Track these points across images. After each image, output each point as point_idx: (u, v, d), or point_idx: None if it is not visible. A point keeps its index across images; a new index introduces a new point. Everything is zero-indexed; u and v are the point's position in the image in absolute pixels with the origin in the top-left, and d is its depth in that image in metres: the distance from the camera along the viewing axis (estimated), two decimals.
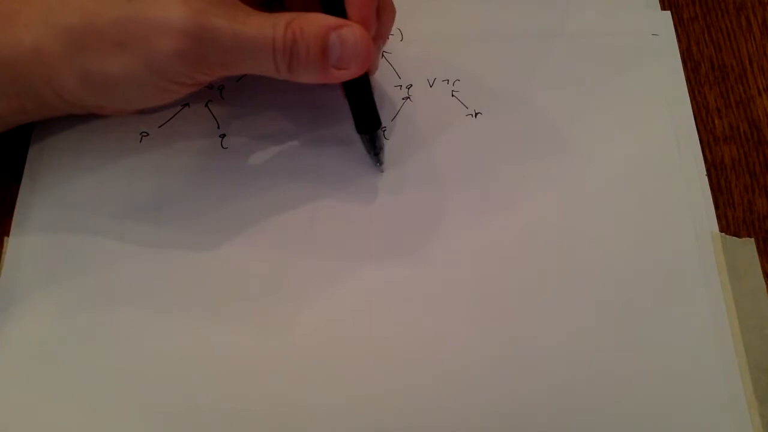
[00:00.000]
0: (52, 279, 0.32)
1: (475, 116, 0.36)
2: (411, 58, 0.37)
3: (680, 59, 0.37)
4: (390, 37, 0.35)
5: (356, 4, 0.30)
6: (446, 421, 0.30)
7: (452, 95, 0.36)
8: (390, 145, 0.35)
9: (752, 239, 0.33)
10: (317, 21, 0.30)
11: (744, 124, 0.36)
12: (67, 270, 0.33)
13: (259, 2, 0.33)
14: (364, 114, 0.33)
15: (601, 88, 0.36)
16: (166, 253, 0.33)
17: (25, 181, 0.35)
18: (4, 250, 0.33)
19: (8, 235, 0.33)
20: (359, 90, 0.32)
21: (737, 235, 0.33)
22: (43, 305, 0.32)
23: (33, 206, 0.34)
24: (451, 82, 0.37)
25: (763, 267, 0.32)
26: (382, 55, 0.37)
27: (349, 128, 0.35)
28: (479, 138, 0.35)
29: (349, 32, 0.30)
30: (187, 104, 0.36)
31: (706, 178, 0.34)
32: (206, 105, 0.36)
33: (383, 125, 0.34)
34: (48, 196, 0.34)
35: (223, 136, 0.36)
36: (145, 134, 0.36)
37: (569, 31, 0.38)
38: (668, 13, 0.39)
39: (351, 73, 0.31)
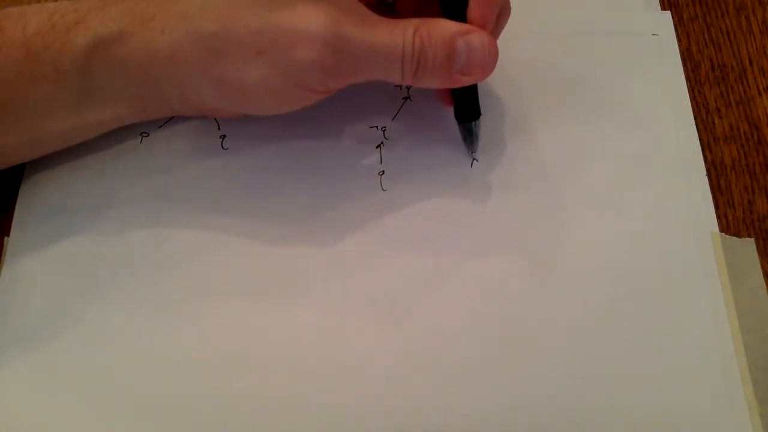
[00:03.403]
0: (51, 279, 0.32)
1: None
2: None
3: (680, 59, 0.37)
4: None
5: (479, 7, 0.30)
6: (446, 422, 0.30)
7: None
8: (389, 145, 0.35)
9: (752, 239, 0.33)
10: (444, 27, 0.30)
11: (744, 124, 0.36)
12: (66, 270, 0.33)
13: (374, 5, 0.32)
14: (466, 104, 0.33)
15: (601, 88, 0.36)
16: (165, 253, 0.33)
17: (25, 180, 0.35)
18: (4, 250, 0.33)
19: (8, 235, 0.34)
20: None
21: (737, 235, 0.33)
22: (42, 305, 0.32)
23: (33, 206, 0.34)
24: None
25: (763, 267, 0.32)
26: None
27: (350, 128, 0.35)
28: (478, 137, 0.35)
29: (476, 38, 0.30)
30: None
31: (706, 178, 0.34)
32: None
33: (478, 118, 0.34)
34: (48, 196, 0.34)
35: (223, 137, 0.36)
36: (145, 134, 0.36)
37: (569, 30, 0.38)
38: (668, 13, 0.39)
39: (475, 78, 0.31)
